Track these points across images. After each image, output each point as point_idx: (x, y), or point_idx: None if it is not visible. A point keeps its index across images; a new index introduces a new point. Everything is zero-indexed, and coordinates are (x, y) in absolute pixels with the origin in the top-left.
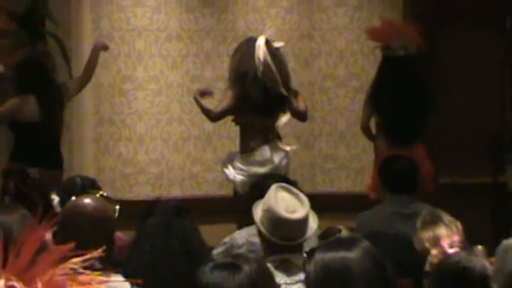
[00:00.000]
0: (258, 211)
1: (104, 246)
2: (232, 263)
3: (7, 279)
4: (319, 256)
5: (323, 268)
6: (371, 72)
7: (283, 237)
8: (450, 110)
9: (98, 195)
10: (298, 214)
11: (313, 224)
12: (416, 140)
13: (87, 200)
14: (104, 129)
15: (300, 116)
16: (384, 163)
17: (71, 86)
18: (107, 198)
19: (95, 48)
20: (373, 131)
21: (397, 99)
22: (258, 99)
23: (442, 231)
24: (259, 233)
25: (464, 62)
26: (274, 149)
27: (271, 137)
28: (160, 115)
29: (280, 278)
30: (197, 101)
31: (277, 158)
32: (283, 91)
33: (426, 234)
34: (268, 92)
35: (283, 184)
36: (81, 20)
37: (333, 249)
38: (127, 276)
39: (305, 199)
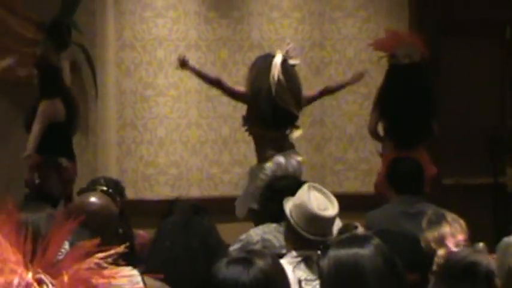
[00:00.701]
0: (288, 207)
1: (127, 243)
2: (247, 257)
3: (35, 273)
4: (332, 252)
5: (336, 264)
6: (378, 79)
7: (315, 232)
8: (453, 113)
9: (100, 190)
10: (330, 212)
11: (338, 223)
12: (419, 144)
13: (92, 199)
14: (127, 133)
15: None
16: (391, 164)
17: None
18: (109, 194)
19: None
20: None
21: (402, 105)
22: (267, 115)
23: (446, 230)
24: (289, 229)
25: (467, 68)
26: (288, 157)
27: (285, 146)
28: (180, 120)
29: (301, 273)
30: (195, 70)
31: (290, 166)
32: (294, 111)
33: (431, 235)
34: (279, 109)
35: (315, 184)
36: (106, 30)
37: (345, 245)
38: (148, 272)
39: (334, 199)
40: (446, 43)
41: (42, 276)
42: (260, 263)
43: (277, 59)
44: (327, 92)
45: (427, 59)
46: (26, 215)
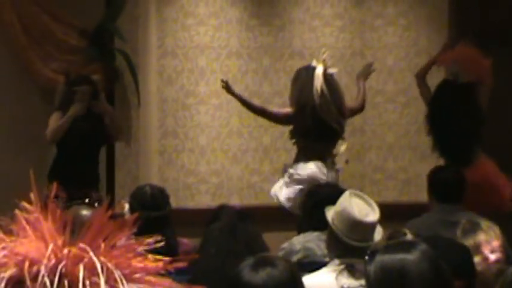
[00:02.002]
0: (330, 215)
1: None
2: (267, 261)
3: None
4: (379, 257)
5: (382, 269)
6: (418, 88)
7: (357, 238)
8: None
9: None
10: (371, 217)
11: (380, 230)
12: (470, 161)
13: (84, 212)
14: (168, 141)
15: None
16: (432, 173)
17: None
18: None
19: None
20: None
21: (447, 123)
22: (313, 129)
23: (481, 238)
24: (331, 236)
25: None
26: (329, 168)
27: (327, 157)
28: (221, 128)
29: (345, 281)
30: (239, 97)
31: (330, 177)
32: (335, 125)
33: (467, 242)
34: (324, 123)
35: (356, 191)
36: (148, 37)
37: (392, 251)
38: (194, 279)
39: (375, 205)
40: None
41: (86, 247)
42: (280, 265)
43: (319, 71)
44: (362, 100)
45: (483, 82)
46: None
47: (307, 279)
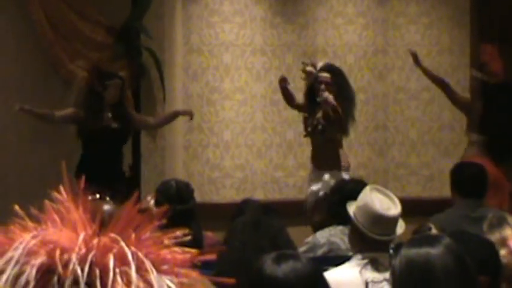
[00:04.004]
0: (352, 210)
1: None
2: (290, 255)
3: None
4: (404, 251)
5: (407, 262)
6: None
7: (380, 232)
8: None
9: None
10: (393, 211)
11: (402, 223)
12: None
13: (109, 206)
14: (194, 136)
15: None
16: (455, 168)
17: (138, 117)
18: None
19: (181, 113)
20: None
21: (493, 121)
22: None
23: (508, 232)
24: (354, 230)
25: None
26: None
27: None
28: (245, 123)
29: (368, 275)
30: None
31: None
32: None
33: (493, 237)
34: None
35: (377, 186)
36: (174, 34)
37: (417, 245)
38: (218, 273)
39: (396, 199)
40: (508, 50)
41: (112, 239)
42: (306, 259)
43: None
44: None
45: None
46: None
47: (331, 273)
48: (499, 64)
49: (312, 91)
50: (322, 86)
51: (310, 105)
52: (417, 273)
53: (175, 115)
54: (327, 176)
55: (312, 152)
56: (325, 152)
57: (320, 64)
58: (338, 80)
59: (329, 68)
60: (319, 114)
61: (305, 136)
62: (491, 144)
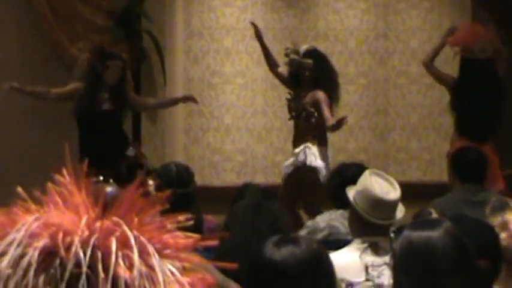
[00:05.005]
0: (351, 194)
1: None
2: (291, 239)
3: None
4: (405, 234)
5: (408, 245)
6: (441, 69)
7: (379, 217)
8: None
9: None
10: (392, 195)
11: (401, 207)
12: (489, 138)
13: (110, 189)
14: (194, 120)
15: None
16: (455, 153)
17: (137, 99)
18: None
19: (181, 99)
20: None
21: (476, 100)
22: None
23: (510, 216)
24: (353, 215)
25: None
26: None
27: None
28: (246, 107)
29: (368, 258)
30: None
31: None
32: None
33: (495, 220)
34: None
35: (376, 170)
36: (174, 18)
37: (418, 228)
38: (218, 256)
39: (396, 183)
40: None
41: (115, 222)
42: (307, 243)
43: None
44: None
45: (501, 52)
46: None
47: (331, 257)
48: (493, 38)
49: (296, 76)
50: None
51: (295, 89)
52: (418, 256)
53: (176, 101)
54: (297, 150)
55: (294, 136)
56: (309, 134)
57: (303, 49)
58: (321, 65)
59: (312, 53)
60: (305, 100)
61: (290, 119)
62: (464, 125)
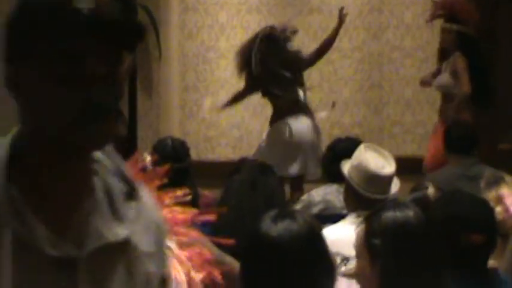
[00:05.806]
0: (346, 169)
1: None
2: (288, 214)
3: None
4: (379, 215)
5: (380, 226)
6: (436, 44)
7: (374, 191)
8: (509, 80)
9: None
10: (387, 170)
11: (396, 182)
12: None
13: None
14: (189, 95)
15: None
16: (449, 128)
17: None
18: None
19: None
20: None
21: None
22: None
23: (504, 190)
24: (348, 189)
25: None
26: None
27: None
28: (241, 82)
29: None
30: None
31: None
32: None
33: (490, 194)
34: None
35: (371, 144)
36: None
37: (389, 210)
38: (215, 231)
39: (391, 157)
40: (504, 11)
41: None
42: (303, 219)
43: None
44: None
45: (480, 27)
46: None
47: (326, 231)
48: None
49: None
50: None
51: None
52: (391, 235)
53: None
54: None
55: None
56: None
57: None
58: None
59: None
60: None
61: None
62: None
